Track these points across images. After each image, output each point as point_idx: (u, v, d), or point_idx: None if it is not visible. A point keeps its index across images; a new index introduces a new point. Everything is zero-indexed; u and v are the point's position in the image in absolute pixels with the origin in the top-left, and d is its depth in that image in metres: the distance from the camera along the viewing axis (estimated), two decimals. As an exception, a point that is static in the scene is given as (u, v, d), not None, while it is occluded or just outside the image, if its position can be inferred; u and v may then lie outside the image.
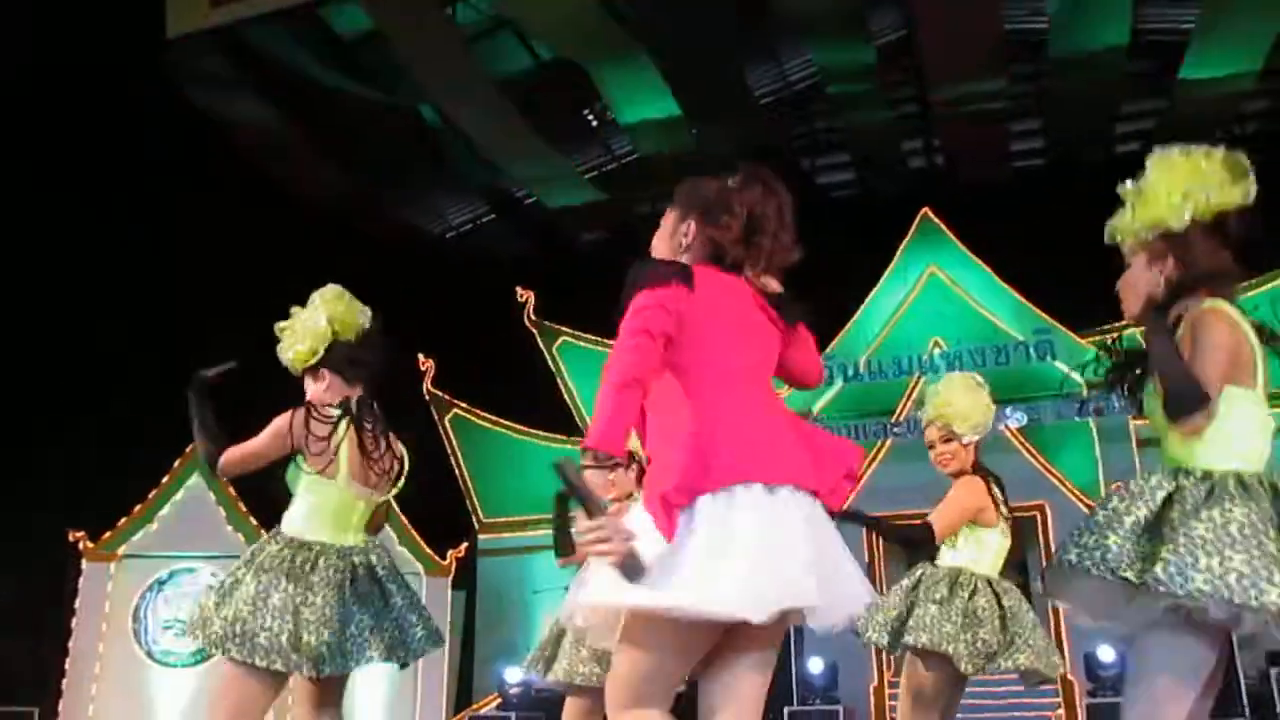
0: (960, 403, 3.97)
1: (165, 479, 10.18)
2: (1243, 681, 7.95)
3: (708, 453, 2.03)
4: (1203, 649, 2.27)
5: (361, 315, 3.36)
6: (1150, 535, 2.24)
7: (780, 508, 2.05)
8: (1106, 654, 8.18)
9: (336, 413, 3.22)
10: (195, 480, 10.10)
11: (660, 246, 2.38)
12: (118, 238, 10.47)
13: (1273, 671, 7.80)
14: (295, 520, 3.20)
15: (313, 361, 3.31)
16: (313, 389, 3.33)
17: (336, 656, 3.02)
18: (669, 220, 2.38)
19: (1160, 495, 2.28)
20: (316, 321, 3.30)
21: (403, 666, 3.28)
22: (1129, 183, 2.52)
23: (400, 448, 3.39)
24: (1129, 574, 2.20)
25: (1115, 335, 2.67)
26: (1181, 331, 2.39)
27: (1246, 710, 7.76)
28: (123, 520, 9.97)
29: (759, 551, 1.97)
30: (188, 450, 10.18)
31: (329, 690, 3.21)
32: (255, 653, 2.92)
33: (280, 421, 3.19)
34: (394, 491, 3.40)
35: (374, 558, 3.27)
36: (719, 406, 2.10)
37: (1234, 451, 2.33)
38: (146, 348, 10.26)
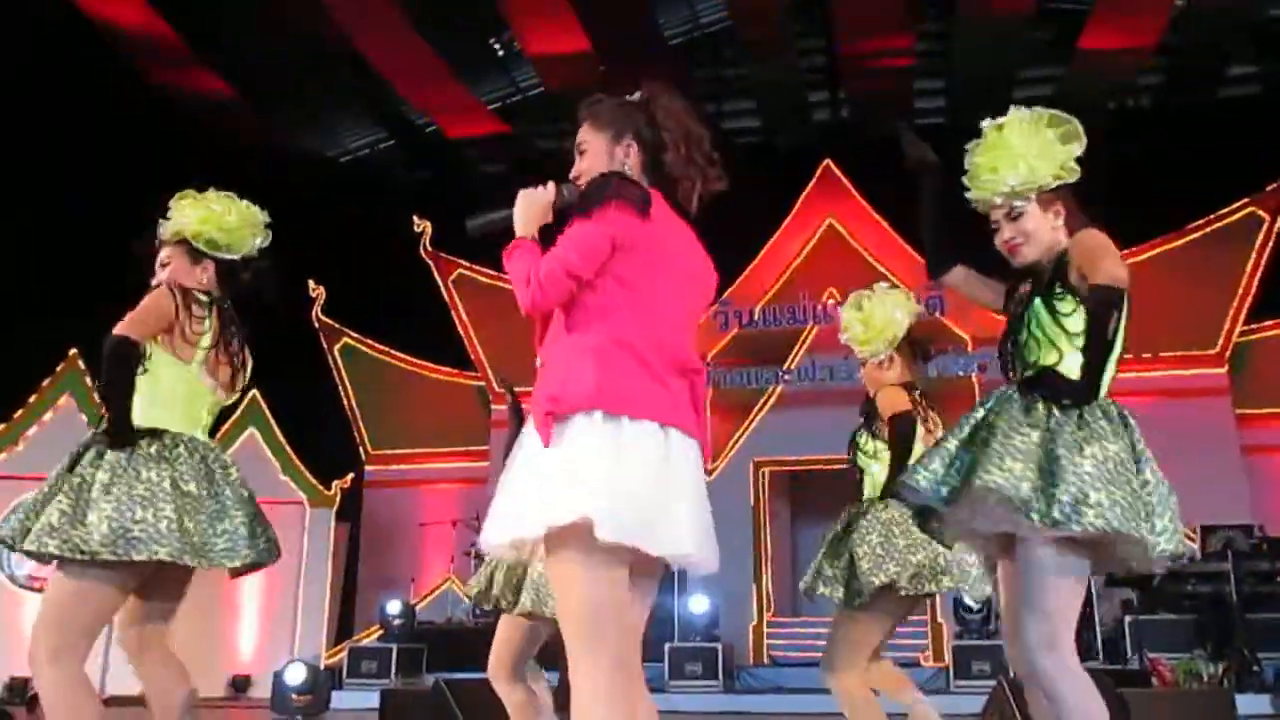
0: (863, 325, 3.98)
1: (33, 398, 9.77)
2: (1098, 629, 8.41)
3: (615, 374, 2.03)
4: (1084, 567, 2.51)
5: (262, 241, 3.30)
6: (1042, 470, 2.42)
7: (672, 448, 2.07)
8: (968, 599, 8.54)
9: (205, 298, 3.13)
10: (65, 400, 9.71)
11: (594, 173, 2.23)
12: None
13: (1126, 619, 8.25)
14: (142, 405, 2.97)
15: (212, 251, 3.19)
16: (182, 267, 3.17)
17: (218, 551, 2.87)
18: (597, 143, 2.26)
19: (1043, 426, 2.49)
20: (254, 231, 3.24)
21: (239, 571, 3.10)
22: (978, 142, 2.77)
23: (248, 361, 3.26)
24: (1034, 515, 2.38)
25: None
26: (1069, 256, 2.62)
27: (1100, 654, 8.22)
28: (-14, 438, 9.56)
29: (655, 485, 2.01)
30: (58, 369, 9.78)
31: (159, 607, 3.03)
32: (131, 547, 2.72)
33: (163, 294, 3.03)
34: (230, 400, 3.24)
35: (225, 456, 3.10)
36: (637, 333, 2.09)
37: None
38: (19, 265, 9.76)
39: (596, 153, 2.26)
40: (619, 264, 2.09)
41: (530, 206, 2.22)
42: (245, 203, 3.28)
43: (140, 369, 2.96)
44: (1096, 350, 2.47)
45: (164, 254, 3.20)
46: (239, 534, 2.95)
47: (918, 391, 3.92)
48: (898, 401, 3.78)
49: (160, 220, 3.23)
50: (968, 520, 2.62)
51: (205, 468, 2.97)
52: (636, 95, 2.32)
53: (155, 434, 2.94)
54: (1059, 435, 2.44)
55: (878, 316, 3.96)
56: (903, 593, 3.63)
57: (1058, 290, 2.60)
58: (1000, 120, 2.76)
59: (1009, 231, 2.74)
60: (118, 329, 2.90)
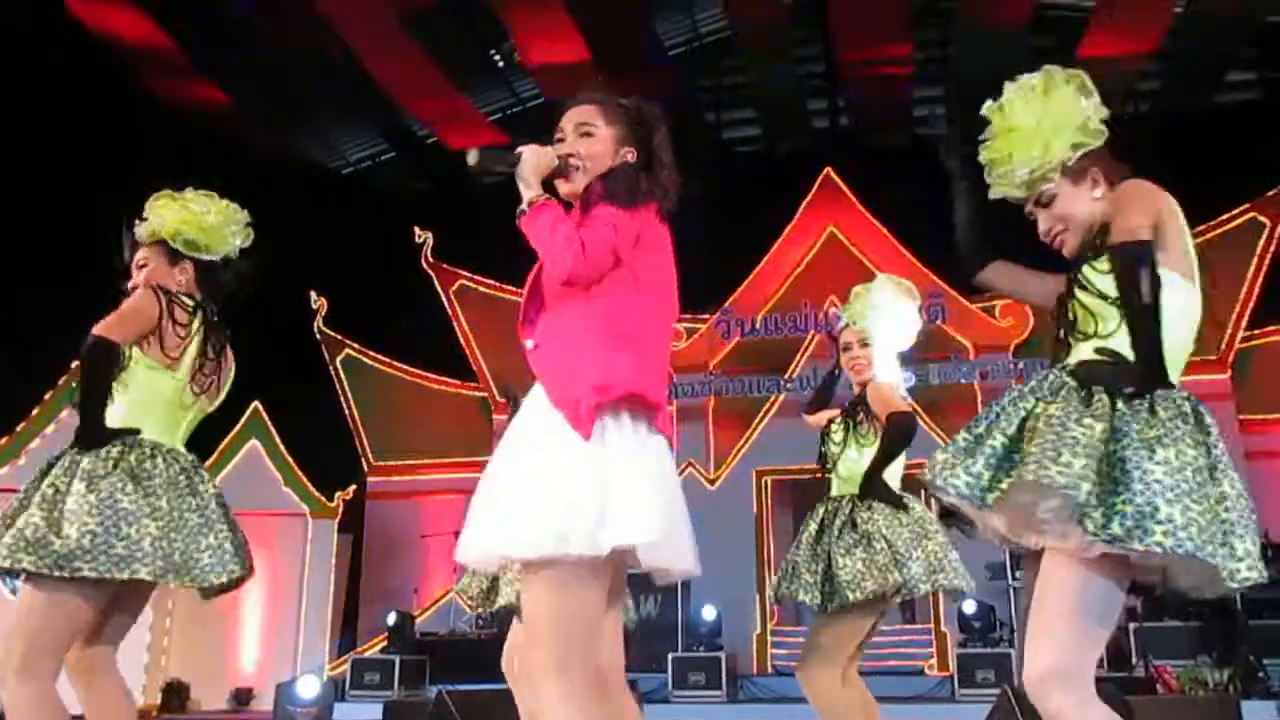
0: (887, 309, 3.84)
1: (35, 411, 9.77)
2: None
3: (637, 369, 2.08)
4: (1122, 590, 2.14)
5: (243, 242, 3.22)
6: (1102, 472, 2.03)
7: (664, 453, 2.15)
8: (971, 607, 8.52)
9: (191, 303, 3.04)
10: (67, 413, 9.71)
11: (599, 160, 2.25)
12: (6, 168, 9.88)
13: (1130, 625, 8.22)
14: (118, 410, 2.89)
15: (191, 252, 3.10)
16: (160, 270, 3.08)
17: (194, 567, 2.77)
18: (605, 136, 2.27)
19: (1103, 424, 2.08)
20: (234, 230, 3.15)
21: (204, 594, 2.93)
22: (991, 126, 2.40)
23: (230, 364, 3.16)
24: (1088, 525, 1.99)
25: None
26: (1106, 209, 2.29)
27: (1105, 662, 8.19)
28: (-12, 453, 9.56)
29: (671, 496, 2.09)
30: (60, 382, 9.78)
31: (117, 624, 2.91)
32: (114, 565, 2.63)
33: (147, 296, 2.95)
34: (214, 406, 3.12)
35: (190, 463, 2.98)
36: (645, 329, 2.14)
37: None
38: (21, 278, 9.76)
39: (603, 145, 2.26)
40: (636, 259, 2.13)
41: (539, 161, 2.20)
42: (225, 201, 3.19)
43: (119, 372, 2.87)
44: (1138, 318, 2.09)
45: (141, 255, 3.11)
46: (224, 549, 2.86)
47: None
48: (896, 401, 3.69)
49: (136, 221, 3.14)
50: (1002, 528, 2.22)
51: (187, 480, 2.88)
52: (633, 101, 2.32)
53: (129, 441, 2.84)
54: (1126, 433, 2.04)
55: (894, 310, 3.83)
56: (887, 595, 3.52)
57: (1091, 253, 2.27)
58: (1000, 101, 2.39)
59: (1045, 222, 2.38)
60: (97, 329, 2.82)
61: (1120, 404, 2.09)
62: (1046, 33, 12.78)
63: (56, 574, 2.62)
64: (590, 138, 2.26)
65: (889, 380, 3.80)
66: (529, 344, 2.15)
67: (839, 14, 12.31)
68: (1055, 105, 2.33)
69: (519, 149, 2.21)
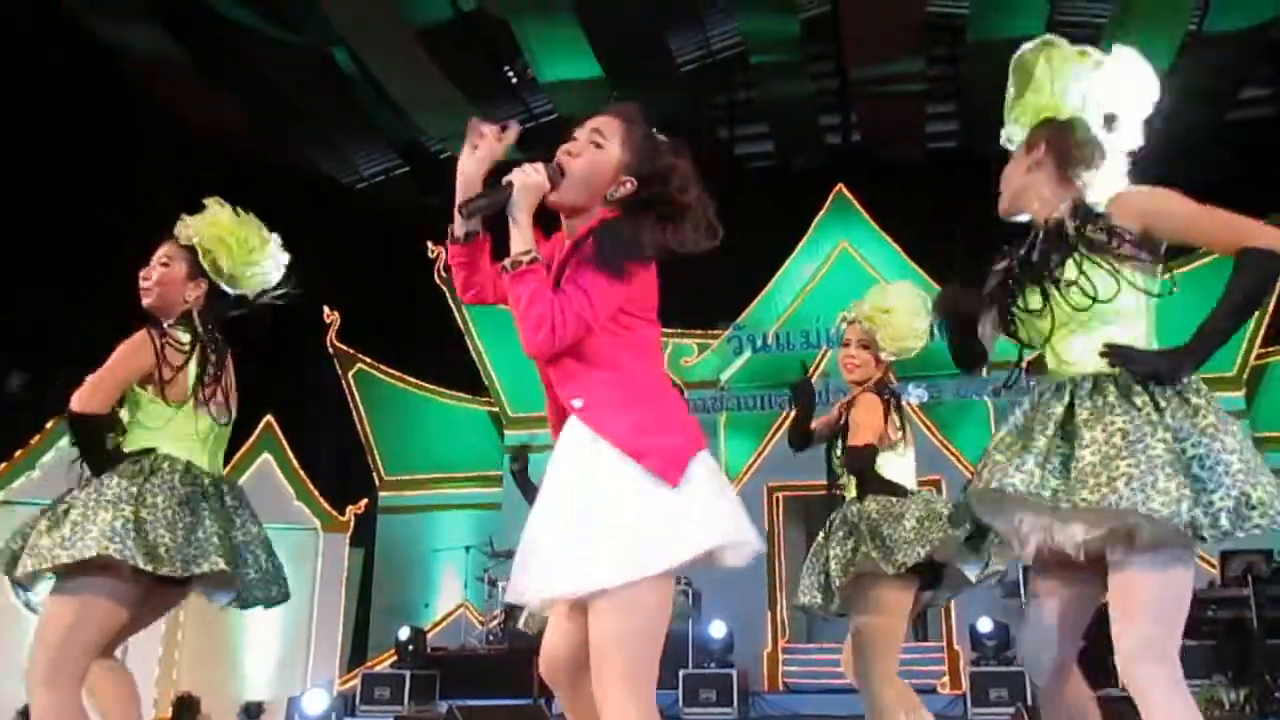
0: (896, 316, 3.72)
1: (49, 424, 9.79)
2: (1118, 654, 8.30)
3: (686, 416, 2.15)
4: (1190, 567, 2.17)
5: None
6: (1192, 476, 2.06)
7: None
8: (985, 625, 8.46)
9: (187, 339, 2.98)
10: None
11: (593, 182, 2.16)
12: (8, 171, 9.96)
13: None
14: (135, 439, 2.91)
15: (214, 274, 3.03)
16: (176, 278, 3.02)
17: (176, 557, 2.70)
18: (611, 153, 2.16)
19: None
20: (266, 280, 3.11)
21: (242, 606, 2.94)
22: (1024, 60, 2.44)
23: (231, 375, 3.12)
24: (1205, 533, 2.02)
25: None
26: (1111, 210, 2.32)
27: (1120, 681, 8.12)
28: (2, 466, 9.58)
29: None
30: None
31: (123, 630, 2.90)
32: (88, 546, 2.63)
33: (140, 345, 2.90)
34: (229, 418, 3.08)
35: (225, 485, 2.99)
36: (663, 373, 2.21)
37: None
38: (21, 278, 9.82)
39: (606, 161, 2.16)
40: (632, 304, 2.11)
41: (530, 197, 2.11)
42: (276, 243, 3.12)
43: (121, 412, 2.90)
44: (1222, 328, 2.19)
45: (165, 251, 3.04)
46: (210, 543, 2.80)
47: (889, 397, 3.73)
48: (874, 423, 3.61)
49: (183, 215, 3.04)
50: (1080, 536, 2.17)
51: (192, 487, 2.86)
52: (661, 139, 2.22)
53: (141, 454, 2.87)
54: (1185, 431, 2.09)
55: (903, 317, 3.72)
56: (892, 571, 3.37)
57: (1078, 257, 2.26)
58: (1034, 49, 2.45)
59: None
60: (73, 404, 2.81)
61: (1157, 398, 2.13)
62: (1059, 49, 12.78)
63: (45, 567, 2.69)
64: (598, 149, 2.16)
65: (871, 402, 3.69)
66: (577, 403, 2.06)
67: (851, 30, 12.35)
68: (1060, 72, 2.40)
69: (510, 177, 2.12)
